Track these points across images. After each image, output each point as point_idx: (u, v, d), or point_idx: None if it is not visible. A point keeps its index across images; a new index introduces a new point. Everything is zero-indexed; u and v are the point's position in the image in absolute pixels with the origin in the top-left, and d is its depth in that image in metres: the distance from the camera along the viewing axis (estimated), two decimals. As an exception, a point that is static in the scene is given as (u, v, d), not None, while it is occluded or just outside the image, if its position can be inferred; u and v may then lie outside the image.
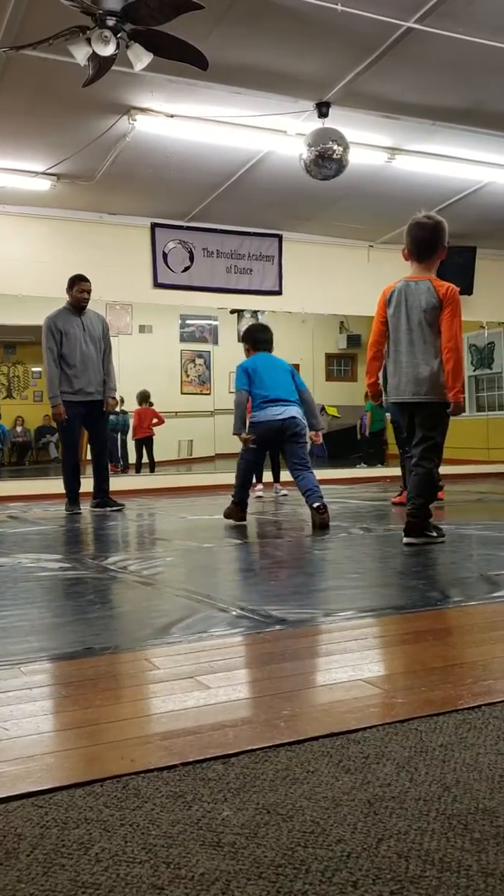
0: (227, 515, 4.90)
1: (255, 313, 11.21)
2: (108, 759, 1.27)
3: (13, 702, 1.56)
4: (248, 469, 4.95)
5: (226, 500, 5.12)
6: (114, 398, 6.16)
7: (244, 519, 4.89)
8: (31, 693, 1.62)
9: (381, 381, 3.97)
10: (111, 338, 6.17)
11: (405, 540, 3.64)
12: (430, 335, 3.60)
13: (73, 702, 1.60)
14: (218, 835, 1.02)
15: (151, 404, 10.08)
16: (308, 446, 5.03)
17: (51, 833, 1.03)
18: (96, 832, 1.03)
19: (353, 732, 1.35)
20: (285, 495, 6.93)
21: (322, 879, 0.91)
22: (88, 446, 6.15)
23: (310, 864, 0.94)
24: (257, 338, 5.08)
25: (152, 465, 10.07)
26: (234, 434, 4.88)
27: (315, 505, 4.51)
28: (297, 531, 4.56)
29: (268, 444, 4.95)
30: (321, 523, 4.44)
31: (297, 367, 12.36)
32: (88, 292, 5.92)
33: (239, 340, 5.24)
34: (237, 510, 4.87)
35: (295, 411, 4.75)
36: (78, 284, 5.89)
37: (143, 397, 9.98)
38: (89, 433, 6.04)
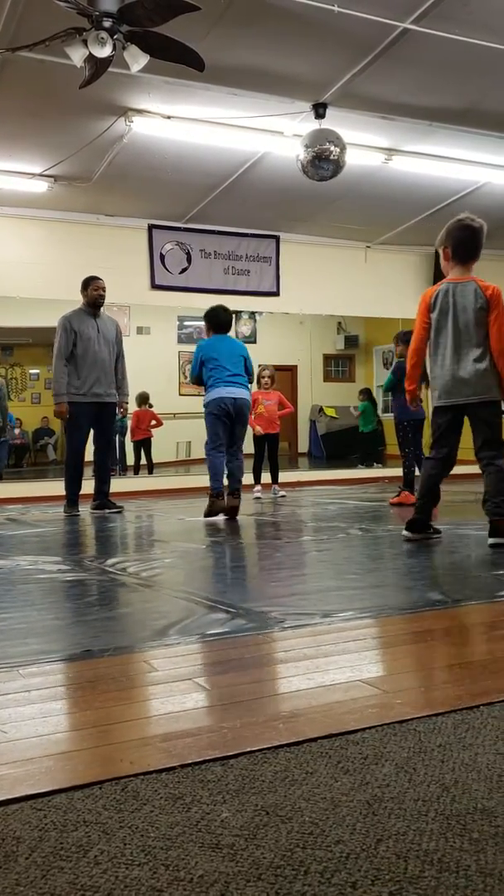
0: (206, 514, 5.13)
1: (252, 314, 11.22)
2: (107, 762, 1.27)
3: (11, 704, 1.56)
4: (217, 461, 5.23)
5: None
6: (127, 403, 6.19)
7: (224, 509, 5.10)
8: (30, 696, 1.62)
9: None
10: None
11: (490, 541, 3.59)
12: (480, 336, 3.62)
13: (72, 704, 1.60)
14: (217, 836, 1.02)
15: (151, 406, 10.07)
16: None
17: (49, 836, 1.03)
18: (95, 834, 1.03)
19: (351, 733, 1.35)
20: (283, 496, 6.93)
21: (321, 880, 0.90)
22: (92, 447, 6.14)
23: (309, 865, 0.94)
24: (219, 320, 5.38)
25: (150, 467, 10.07)
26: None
27: (232, 492, 5.05)
28: (296, 532, 4.56)
29: (221, 422, 5.18)
30: (232, 506, 5.00)
31: (294, 367, 12.36)
32: (104, 289, 5.97)
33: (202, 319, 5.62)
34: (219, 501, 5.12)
35: (246, 393, 5.15)
36: (93, 283, 5.94)
37: (142, 399, 9.97)
38: (96, 435, 6.03)
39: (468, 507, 5.96)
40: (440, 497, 4.01)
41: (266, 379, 7.23)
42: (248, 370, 5.28)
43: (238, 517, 5.10)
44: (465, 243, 3.72)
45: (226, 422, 5.11)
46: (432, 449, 3.84)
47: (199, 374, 5.21)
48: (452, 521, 4.84)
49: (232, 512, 5.00)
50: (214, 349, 5.17)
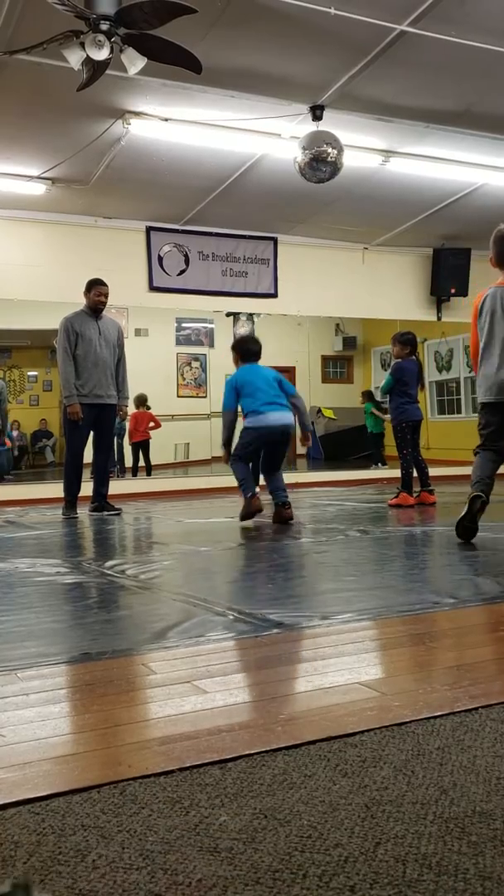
0: (244, 517, 4.95)
1: (251, 316, 11.22)
2: (105, 765, 1.27)
3: (10, 708, 1.56)
4: (244, 467, 5.03)
5: (223, 503, 5.13)
6: (126, 406, 6.20)
7: (261, 509, 4.96)
8: (28, 699, 1.62)
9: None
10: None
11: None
12: None
13: (70, 707, 1.60)
14: (215, 840, 1.02)
15: (149, 408, 10.08)
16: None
17: (48, 840, 1.03)
18: (93, 839, 1.03)
19: (350, 736, 1.35)
20: None
21: (320, 884, 0.90)
22: (91, 449, 6.14)
23: (307, 868, 0.94)
24: (248, 349, 5.20)
25: (149, 469, 10.06)
26: (224, 457, 5.14)
27: (280, 502, 4.90)
28: (294, 534, 4.56)
29: (266, 447, 5.04)
30: (286, 518, 4.85)
31: (293, 369, 12.35)
32: (105, 296, 5.98)
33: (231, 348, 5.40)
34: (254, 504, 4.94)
35: (290, 418, 4.97)
36: (95, 288, 5.95)
37: (141, 401, 9.98)
38: (96, 437, 6.03)
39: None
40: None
41: None
42: (288, 390, 5.09)
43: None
44: (497, 254, 3.83)
45: (264, 447, 5.02)
46: (485, 442, 3.87)
47: (233, 403, 5.02)
48: (450, 522, 4.84)
49: (283, 523, 4.87)
50: (247, 375, 5.02)
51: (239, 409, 5.05)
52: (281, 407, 4.91)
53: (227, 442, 5.10)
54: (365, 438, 11.61)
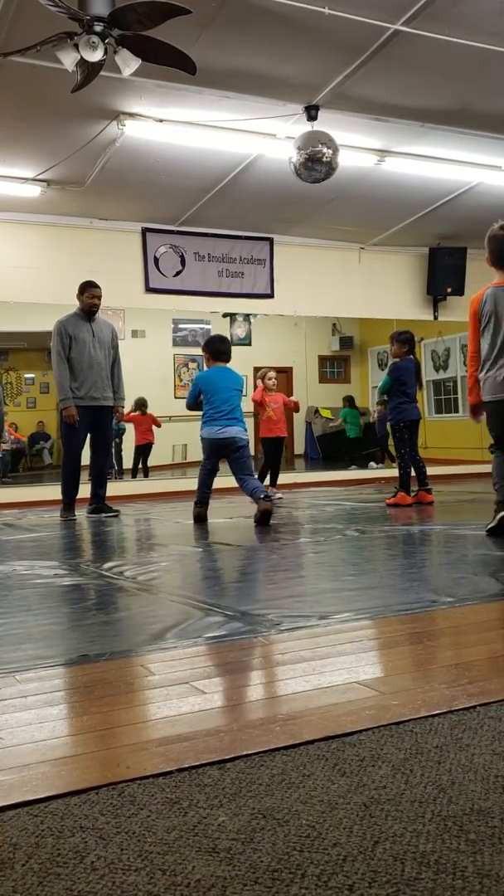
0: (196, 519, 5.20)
1: (247, 316, 11.22)
2: (104, 767, 1.27)
3: (8, 710, 1.56)
4: (204, 475, 5.28)
5: (222, 504, 5.13)
6: (123, 406, 6.20)
7: (202, 519, 5.20)
8: (26, 701, 1.62)
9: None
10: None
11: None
12: None
13: (69, 709, 1.60)
14: (214, 841, 1.01)
15: (144, 412, 10.08)
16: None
17: (46, 842, 1.03)
18: (92, 840, 1.03)
19: (348, 735, 1.35)
20: (280, 498, 6.92)
21: (318, 884, 0.90)
22: (89, 451, 6.13)
23: (306, 868, 0.94)
24: (218, 349, 5.37)
25: (146, 472, 10.06)
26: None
27: (261, 497, 4.92)
28: (292, 534, 4.56)
29: (223, 455, 5.24)
30: (265, 509, 4.84)
31: (290, 369, 12.37)
32: (99, 298, 6.00)
33: (201, 348, 5.66)
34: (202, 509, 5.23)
35: (236, 431, 5.13)
36: (88, 290, 5.96)
37: (139, 405, 9.99)
38: (93, 438, 6.03)
39: (464, 507, 5.97)
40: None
41: (273, 381, 7.18)
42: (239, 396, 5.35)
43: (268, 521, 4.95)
44: (494, 253, 3.83)
45: (220, 454, 5.20)
46: (496, 442, 3.89)
47: (193, 402, 5.30)
48: (448, 521, 4.84)
49: (264, 516, 4.88)
50: (212, 382, 5.23)
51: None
52: (232, 421, 5.13)
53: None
54: (346, 444, 11.67)
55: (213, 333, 5.69)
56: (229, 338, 10.13)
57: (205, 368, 5.47)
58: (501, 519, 3.74)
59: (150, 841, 1.02)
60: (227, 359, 5.37)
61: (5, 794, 1.17)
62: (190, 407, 5.38)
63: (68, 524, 5.63)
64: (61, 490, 5.96)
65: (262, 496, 4.93)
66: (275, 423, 7.08)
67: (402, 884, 0.90)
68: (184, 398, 5.57)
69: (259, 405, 7.11)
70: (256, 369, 7.40)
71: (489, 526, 3.82)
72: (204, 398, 5.21)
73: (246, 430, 5.25)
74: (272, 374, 7.26)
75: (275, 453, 7.17)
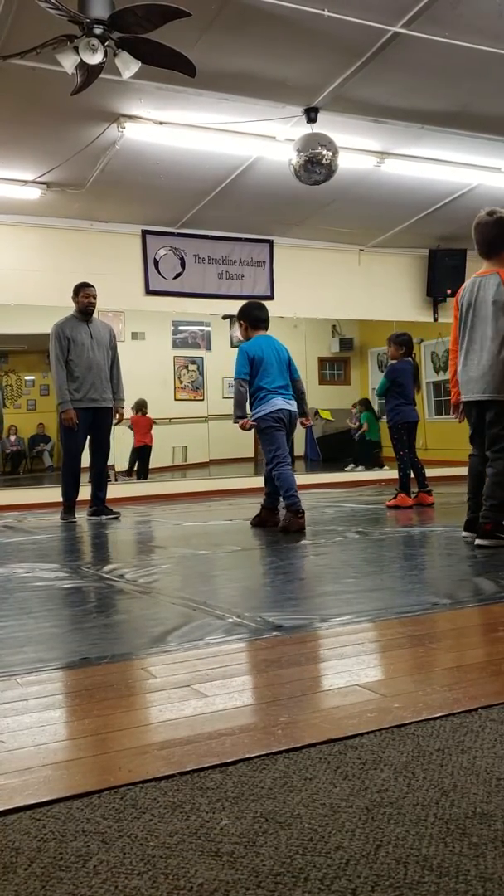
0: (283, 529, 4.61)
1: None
2: (106, 770, 1.27)
3: (10, 714, 1.56)
4: (291, 474, 4.71)
5: (221, 506, 5.12)
6: (123, 407, 6.20)
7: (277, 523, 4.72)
8: (28, 705, 1.62)
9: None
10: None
11: (476, 542, 3.56)
12: (497, 330, 3.49)
13: (70, 713, 1.59)
14: (216, 844, 1.01)
15: (144, 413, 10.08)
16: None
17: (48, 846, 1.03)
18: (94, 844, 1.03)
19: (350, 738, 1.35)
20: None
21: (321, 887, 0.90)
22: (89, 453, 6.13)
23: (308, 871, 0.94)
24: (256, 316, 4.97)
25: (145, 474, 10.05)
26: (235, 422, 4.84)
27: (297, 510, 4.54)
28: (293, 536, 4.56)
29: (286, 431, 4.83)
30: (297, 527, 4.49)
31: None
32: (94, 297, 6.00)
33: (236, 319, 5.11)
34: (271, 515, 4.79)
35: (295, 405, 4.81)
36: (83, 291, 5.97)
37: (138, 406, 10.00)
38: (93, 440, 6.03)
39: (464, 509, 5.96)
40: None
41: None
42: (294, 374, 4.92)
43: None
44: (481, 242, 3.68)
45: (284, 432, 4.77)
46: (472, 445, 3.77)
47: (247, 374, 4.72)
48: (448, 523, 4.84)
49: (299, 528, 4.54)
50: (263, 348, 4.77)
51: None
52: (286, 395, 4.75)
53: (240, 408, 4.81)
54: (367, 446, 11.65)
55: (249, 301, 5.16)
56: (229, 339, 10.13)
57: (243, 340, 4.97)
58: (467, 538, 3.66)
59: (153, 845, 1.02)
60: (267, 326, 4.97)
61: (7, 797, 1.17)
62: (243, 380, 4.71)
63: (68, 526, 5.63)
64: (61, 492, 5.98)
65: (297, 509, 4.52)
66: None
67: (405, 887, 0.90)
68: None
69: None
70: None
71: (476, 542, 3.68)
72: (256, 376, 4.71)
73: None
74: None
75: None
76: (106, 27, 3.91)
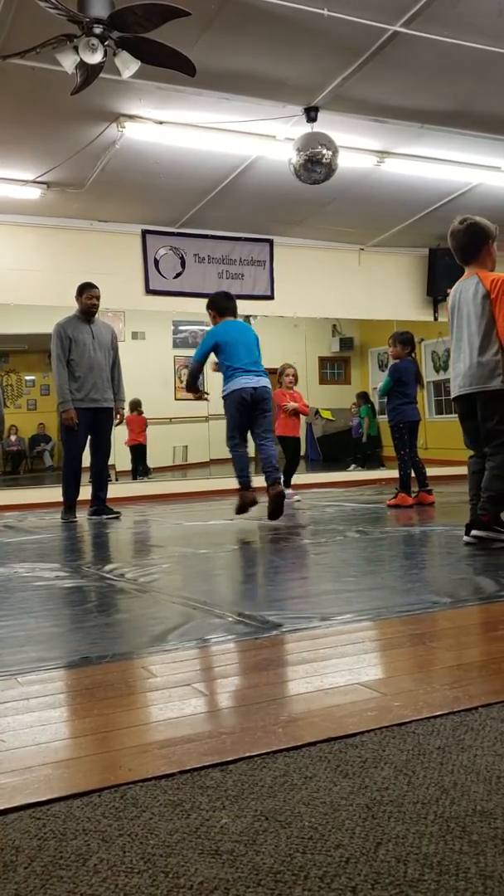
0: (238, 510, 4.95)
1: (247, 318, 11.21)
2: (106, 769, 1.27)
3: (10, 713, 1.56)
4: (242, 454, 4.98)
5: (221, 505, 5.12)
6: (124, 408, 6.19)
7: (254, 502, 4.91)
8: (28, 703, 1.62)
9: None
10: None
11: (473, 533, 3.54)
12: (483, 326, 3.54)
13: (71, 712, 1.59)
14: (216, 843, 1.01)
15: (141, 412, 10.09)
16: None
17: (48, 845, 1.03)
18: (94, 843, 1.03)
19: (350, 737, 1.35)
20: (298, 500, 6.80)
21: (321, 885, 0.90)
22: (90, 453, 6.13)
23: (309, 870, 0.94)
24: (223, 305, 5.19)
25: (145, 472, 10.06)
26: (188, 391, 5.17)
27: (272, 479, 4.74)
28: (293, 535, 4.56)
29: (246, 411, 4.94)
30: (275, 495, 4.68)
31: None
32: (97, 299, 6.01)
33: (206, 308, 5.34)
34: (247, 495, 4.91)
35: (266, 382, 4.93)
36: (87, 291, 5.98)
37: (133, 405, 10.01)
38: (93, 440, 6.03)
39: (465, 509, 5.96)
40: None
41: (290, 378, 7.01)
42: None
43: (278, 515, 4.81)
44: (456, 250, 3.75)
45: (245, 414, 4.90)
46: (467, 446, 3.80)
47: (204, 357, 5.03)
48: (449, 522, 4.84)
49: (275, 506, 4.68)
50: (228, 334, 4.96)
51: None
52: (256, 374, 4.89)
53: (193, 378, 5.15)
54: (362, 443, 11.64)
55: (216, 292, 5.46)
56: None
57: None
58: (467, 540, 3.62)
59: (153, 843, 1.02)
60: (234, 314, 5.18)
61: (8, 796, 1.17)
62: (198, 363, 5.04)
63: (69, 526, 5.63)
64: (62, 492, 5.98)
65: (273, 481, 4.69)
66: (293, 422, 6.98)
67: (405, 885, 0.90)
68: (184, 400, 5.50)
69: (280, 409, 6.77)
70: (284, 366, 7.26)
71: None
72: (222, 354, 4.90)
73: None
74: (291, 370, 7.03)
75: (289, 454, 7.02)
76: (106, 27, 3.92)
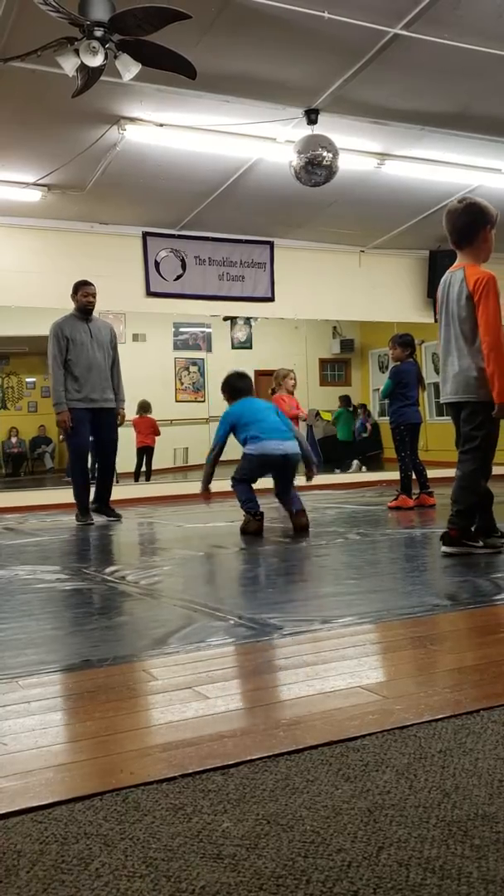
0: (243, 531, 4.72)
1: (248, 320, 11.22)
2: (108, 773, 1.27)
3: (11, 716, 1.56)
4: (246, 488, 4.79)
5: (223, 507, 5.11)
6: (124, 409, 6.11)
7: (260, 531, 4.68)
8: (30, 707, 1.62)
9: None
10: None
11: (442, 550, 3.43)
12: (467, 329, 3.35)
13: (72, 715, 1.59)
14: (218, 847, 1.01)
15: (144, 415, 10.09)
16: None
17: (50, 849, 1.03)
18: (96, 847, 1.03)
19: (352, 740, 1.35)
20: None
21: (323, 890, 0.90)
22: (94, 455, 6.07)
23: (310, 874, 0.94)
24: (236, 386, 4.99)
25: (148, 475, 10.07)
26: (201, 492, 4.95)
27: (296, 510, 4.73)
28: (294, 539, 4.56)
29: (266, 473, 4.84)
30: (300, 525, 4.67)
31: (290, 373, 12.29)
32: (93, 296, 5.90)
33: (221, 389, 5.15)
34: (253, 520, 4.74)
35: (294, 447, 4.75)
36: (82, 289, 5.90)
37: (142, 407, 10.00)
38: (95, 441, 5.97)
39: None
40: (492, 495, 3.66)
41: (293, 381, 7.01)
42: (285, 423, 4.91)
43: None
44: (450, 232, 3.50)
45: (267, 472, 4.80)
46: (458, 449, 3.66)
47: (224, 439, 4.80)
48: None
49: (301, 528, 4.66)
50: (242, 414, 4.79)
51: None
52: (283, 433, 4.72)
53: (208, 477, 4.90)
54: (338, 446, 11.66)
55: (229, 373, 5.14)
56: (230, 341, 10.11)
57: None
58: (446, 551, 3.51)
59: (155, 847, 1.02)
60: (250, 393, 4.97)
61: (9, 800, 1.17)
62: (218, 446, 4.79)
63: (70, 529, 5.61)
64: (74, 494, 5.87)
65: (296, 509, 4.69)
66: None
67: (407, 889, 0.89)
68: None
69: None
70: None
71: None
72: (242, 426, 4.74)
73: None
74: (293, 373, 7.02)
75: None
76: (106, 29, 3.92)
